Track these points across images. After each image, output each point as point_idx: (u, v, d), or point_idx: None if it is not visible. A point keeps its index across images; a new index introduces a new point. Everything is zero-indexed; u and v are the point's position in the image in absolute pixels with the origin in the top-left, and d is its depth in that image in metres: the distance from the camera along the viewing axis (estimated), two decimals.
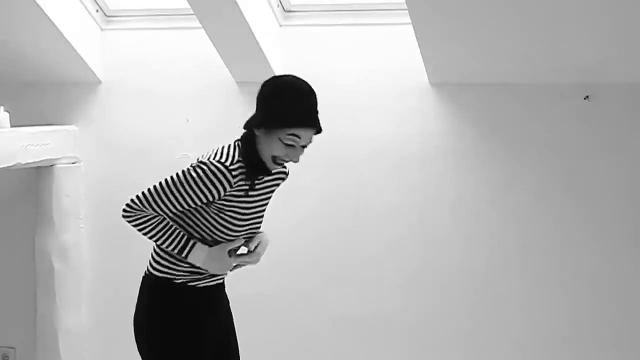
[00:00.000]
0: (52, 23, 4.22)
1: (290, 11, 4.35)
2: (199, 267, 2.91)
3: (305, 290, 4.34)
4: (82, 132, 4.61)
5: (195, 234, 2.90)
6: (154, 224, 2.85)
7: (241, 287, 4.36)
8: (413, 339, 4.23)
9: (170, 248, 2.87)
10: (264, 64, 4.20)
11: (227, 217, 2.87)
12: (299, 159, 2.87)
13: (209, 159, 2.83)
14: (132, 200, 2.85)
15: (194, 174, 2.78)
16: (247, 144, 2.87)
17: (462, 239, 4.15)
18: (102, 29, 4.57)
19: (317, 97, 2.87)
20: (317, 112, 2.85)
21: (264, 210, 3.01)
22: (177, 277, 2.92)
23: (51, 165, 4.50)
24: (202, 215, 2.88)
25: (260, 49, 4.14)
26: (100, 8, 4.53)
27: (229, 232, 2.90)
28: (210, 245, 2.89)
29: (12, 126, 4.28)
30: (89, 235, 4.62)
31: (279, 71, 4.27)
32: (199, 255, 2.87)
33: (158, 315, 2.95)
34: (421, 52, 3.95)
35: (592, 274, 4.02)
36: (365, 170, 4.23)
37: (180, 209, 2.83)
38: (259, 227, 3.02)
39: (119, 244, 4.59)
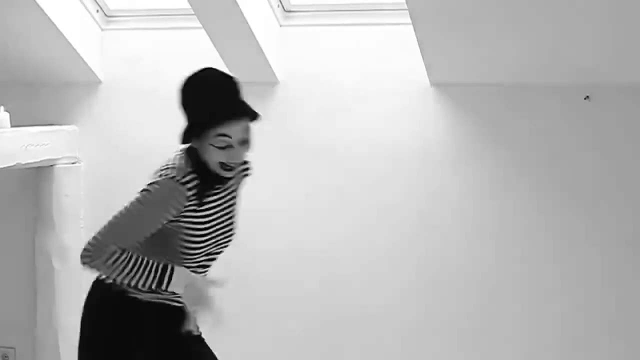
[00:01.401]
0: (52, 23, 4.22)
1: (290, 11, 4.35)
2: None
3: (304, 290, 4.34)
4: (82, 132, 4.61)
5: (159, 256, 2.68)
6: (123, 260, 2.61)
7: (241, 288, 4.37)
8: (413, 338, 4.22)
9: (147, 283, 2.63)
10: (264, 64, 4.20)
11: (188, 231, 2.70)
12: (242, 158, 2.70)
13: (160, 176, 2.66)
14: (90, 243, 2.66)
15: (149, 197, 2.62)
16: (193, 157, 2.70)
17: (462, 238, 4.15)
18: (102, 29, 4.57)
19: (236, 84, 2.69)
20: (236, 101, 2.66)
21: (232, 211, 2.85)
22: (142, 296, 2.72)
23: (51, 166, 4.50)
24: (161, 236, 2.68)
25: (260, 49, 4.14)
26: (100, 8, 4.53)
27: (194, 245, 2.72)
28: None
29: (12, 126, 4.28)
30: (88, 235, 4.61)
31: (279, 71, 4.28)
32: (179, 282, 2.66)
33: (109, 334, 2.82)
34: (421, 52, 3.95)
35: (591, 273, 4.02)
36: (365, 170, 4.23)
37: (147, 234, 2.63)
38: (231, 230, 2.84)
39: None
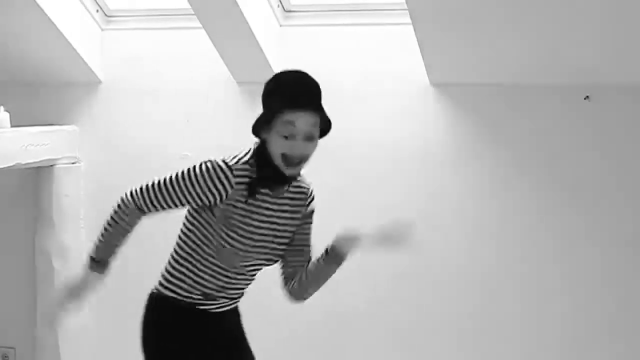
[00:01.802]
0: (52, 23, 4.22)
1: (290, 11, 4.35)
2: (211, 285, 2.73)
3: None
4: (82, 132, 4.61)
5: (205, 242, 2.70)
6: (121, 224, 2.76)
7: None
8: (412, 338, 4.22)
9: (96, 243, 2.78)
10: (264, 64, 4.20)
11: (232, 224, 2.65)
12: (304, 153, 2.61)
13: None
14: (132, 193, 2.72)
15: (196, 171, 2.61)
16: (260, 150, 2.65)
17: (462, 238, 4.15)
18: (102, 29, 4.57)
19: (316, 83, 2.67)
20: (313, 96, 2.63)
21: (284, 237, 2.76)
22: (186, 297, 2.75)
23: (51, 165, 4.50)
24: (208, 222, 2.68)
25: (260, 49, 4.14)
26: (100, 8, 4.53)
27: (236, 243, 2.67)
28: (222, 257, 2.69)
29: (12, 126, 4.28)
30: (89, 235, 4.62)
31: (279, 71, 4.27)
32: (84, 273, 2.85)
33: (154, 339, 2.88)
34: (421, 52, 3.95)
35: (592, 273, 4.02)
36: (365, 170, 4.23)
37: (173, 204, 2.67)
38: (275, 250, 2.76)
39: None
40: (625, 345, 4.00)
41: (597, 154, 3.99)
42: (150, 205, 2.71)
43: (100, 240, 2.80)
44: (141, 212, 2.76)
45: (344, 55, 4.25)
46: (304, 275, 2.79)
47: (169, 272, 2.83)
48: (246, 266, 2.75)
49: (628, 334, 3.99)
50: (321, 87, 2.70)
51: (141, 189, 2.71)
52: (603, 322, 4.01)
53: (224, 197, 2.62)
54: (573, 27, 3.65)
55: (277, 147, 2.60)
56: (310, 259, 2.84)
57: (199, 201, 2.65)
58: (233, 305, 2.85)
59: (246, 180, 2.63)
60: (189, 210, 2.76)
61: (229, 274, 2.75)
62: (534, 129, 4.05)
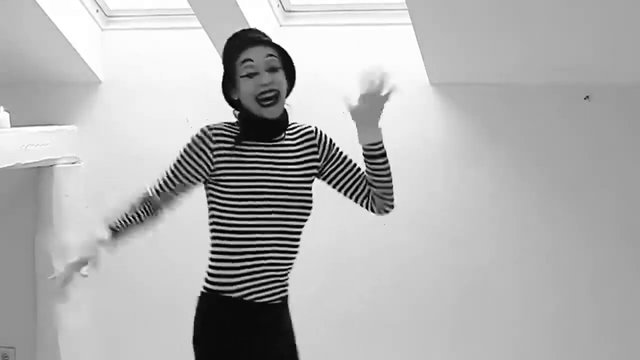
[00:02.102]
0: (52, 23, 4.22)
1: (290, 11, 4.35)
2: (241, 265, 2.67)
3: (304, 290, 4.33)
4: (82, 132, 4.61)
5: (221, 218, 2.67)
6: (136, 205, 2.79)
7: None
8: (413, 338, 4.23)
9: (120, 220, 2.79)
10: None
11: (225, 181, 2.65)
12: (270, 81, 2.63)
13: None
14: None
15: (185, 145, 2.70)
16: (239, 111, 2.73)
17: (462, 238, 4.15)
18: (102, 29, 4.57)
19: (256, 29, 2.78)
20: (259, 34, 2.71)
21: (294, 185, 2.69)
22: (233, 289, 2.68)
23: (51, 165, 4.50)
24: (215, 196, 2.69)
25: None
26: (100, 8, 4.53)
27: (234, 195, 2.63)
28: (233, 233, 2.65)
29: (12, 126, 4.28)
30: (88, 235, 4.61)
31: None
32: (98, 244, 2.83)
33: (206, 336, 2.74)
34: (421, 52, 3.95)
35: (591, 273, 4.03)
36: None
37: (175, 184, 2.73)
38: (289, 202, 2.67)
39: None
40: (624, 345, 4.00)
41: (596, 154, 3.99)
42: (160, 185, 2.76)
43: (125, 221, 2.80)
44: (156, 198, 2.79)
45: (344, 55, 4.25)
46: (371, 188, 2.81)
47: (208, 266, 2.79)
48: (262, 225, 2.65)
49: (628, 333, 4.00)
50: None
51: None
52: (604, 322, 4.02)
53: (209, 154, 2.66)
54: (573, 27, 3.65)
55: (247, 92, 2.65)
56: (362, 174, 2.83)
57: (194, 172, 2.69)
58: (278, 297, 2.74)
59: (228, 136, 2.67)
60: (207, 200, 2.76)
61: (253, 245, 2.65)
62: (534, 129, 4.05)
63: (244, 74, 2.65)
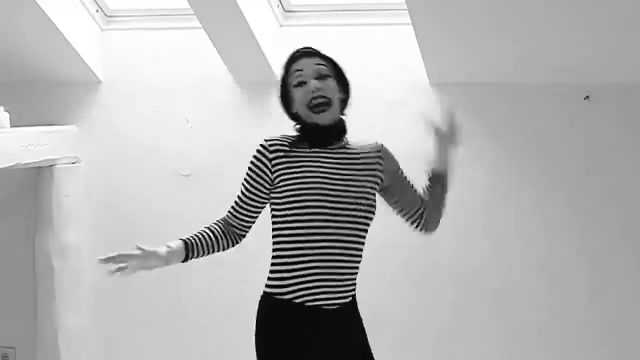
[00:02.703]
0: (52, 23, 4.22)
1: (290, 11, 4.35)
2: (307, 277, 2.65)
3: None
4: (82, 132, 4.61)
5: (281, 221, 2.68)
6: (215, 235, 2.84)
7: (244, 288, 4.37)
8: (407, 337, 4.23)
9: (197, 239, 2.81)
10: (264, 64, 4.20)
11: (282, 186, 2.68)
12: (319, 87, 2.71)
13: None
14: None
15: (248, 164, 2.77)
16: (298, 124, 2.80)
17: (462, 238, 4.15)
18: (102, 29, 4.57)
19: (308, 47, 2.87)
20: (309, 48, 2.86)
21: (353, 191, 2.68)
22: (284, 292, 2.66)
23: (51, 166, 4.50)
24: (273, 201, 2.73)
25: (260, 49, 4.14)
26: (100, 8, 4.53)
27: (292, 204, 2.65)
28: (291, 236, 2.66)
29: (12, 126, 4.28)
30: (89, 235, 4.62)
31: (279, 71, 4.27)
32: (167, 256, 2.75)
33: (260, 336, 2.74)
34: (421, 52, 3.95)
35: (591, 273, 4.03)
36: None
37: (247, 204, 2.77)
38: (348, 203, 2.67)
39: (119, 244, 4.58)
40: (623, 346, 4.00)
41: (596, 154, 3.99)
42: (234, 207, 2.83)
43: (198, 236, 2.83)
44: (230, 225, 2.85)
45: (344, 55, 4.22)
46: (426, 208, 2.90)
47: (269, 271, 2.77)
48: (316, 227, 2.65)
49: (625, 334, 4.00)
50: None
51: None
52: (604, 322, 4.02)
53: (268, 165, 2.71)
54: (573, 27, 3.65)
55: (299, 100, 2.74)
56: (419, 194, 2.91)
57: (259, 185, 2.73)
58: (334, 302, 2.69)
59: (284, 144, 2.73)
60: (270, 214, 2.78)
61: (305, 247, 2.65)
62: (534, 129, 4.05)
63: (295, 83, 2.76)
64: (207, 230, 2.83)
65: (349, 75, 2.96)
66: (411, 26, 3.81)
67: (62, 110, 4.63)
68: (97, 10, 4.52)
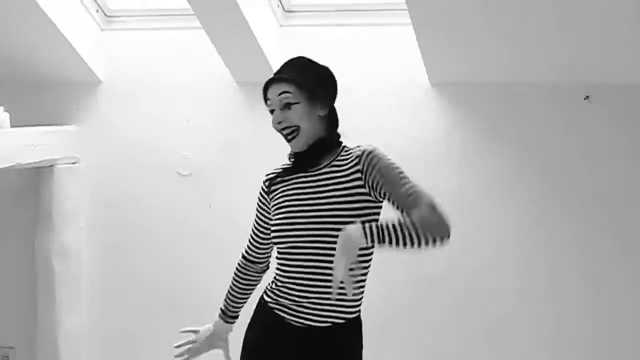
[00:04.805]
0: (53, 23, 4.22)
1: (290, 11, 4.35)
2: (292, 291, 2.69)
3: None
4: (82, 132, 4.61)
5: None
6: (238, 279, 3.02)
7: None
8: (406, 337, 4.23)
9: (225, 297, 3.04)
10: (264, 64, 4.20)
11: (273, 214, 2.77)
12: (281, 120, 2.70)
13: None
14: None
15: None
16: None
17: (461, 238, 4.15)
18: (102, 29, 4.57)
19: (286, 62, 2.81)
20: (285, 68, 2.80)
21: (328, 210, 2.65)
22: (271, 296, 2.75)
23: (51, 166, 4.50)
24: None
25: (260, 49, 4.14)
26: (100, 8, 4.53)
27: (276, 228, 2.72)
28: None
29: (12, 126, 4.28)
30: (89, 235, 4.62)
31: None
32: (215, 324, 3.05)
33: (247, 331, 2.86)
34: (421, 52, 3.95)
35: (591, 273, 4.03)
36: None
37: (259, 229, 2.91)
38: (316, 219, 2.65)
39: (119, 244, 4.59)
40: (623, 346, 4.00)
41: (596, 154, 3.99)
42: (250, 242, 2.97)
43: (227, 296, 3.05)
44: (248, 260, 3.00)
45: (344, 55, 4.25)
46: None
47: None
48: (296, 251, 2.67)
49: (625, 334, 4.00)
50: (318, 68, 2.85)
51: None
52: (603, 322, 4.02)
53: (267, 198, 2.85)
54: (573, 27, 3.66)
55: (273, 127, 2.77)
56: (408, 202, 2.66)
57: (265, 218, 2.88)
58: (324, 320, 2.68)
59: (278, 175, 2.83)
60: None
61: (292, 270, 2.68)
62: (534, 129, 4.05)
63: (269, 109, 2.79)
64: (234, 287, 3.03)
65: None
66: (411, 26, 3.81)
67: (62, 110, 4.63)
68: (97, 10, 4.52)
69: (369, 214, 2.69)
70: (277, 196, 2.78)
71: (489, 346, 4.14)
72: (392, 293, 4.23)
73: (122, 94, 4.57)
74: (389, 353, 4.26)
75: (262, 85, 2.79)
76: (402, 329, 4.23)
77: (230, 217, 4.33)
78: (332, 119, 2.83)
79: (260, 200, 2.88)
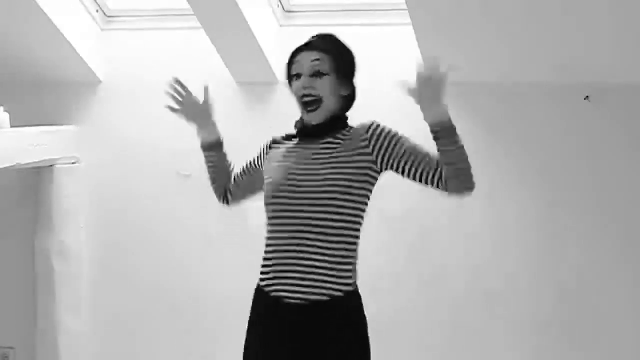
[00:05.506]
0: (52, 23, 4.22)
1: (290, 11, 4.35)
2: (272, 267, 2.68)
3: None
4: (82, 132, 4.60)
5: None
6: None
7: (242, 283, 4.37)
8: (405, 337, 4.23)
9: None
10: (264, 64, 4.20)
11: (264, 174, 2.82)
12: (306, 87, 2.69)
13: None
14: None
15: None
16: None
17: (461, 237, 4.15)
18: (102, 29, 4.57)
19: (316, 36, 2.84)
20: (318, 39, 2.82)
21: (317, 166, 2.67)
22: (260, 280, 2.72)
23: (51, 166, 4.50)
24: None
25: (260, 49, 4.14)
26: (100, 8, 4.53)
27: (266, 193, 2.73)
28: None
29: (12, 126, 4.28)
30: (89, 235, 4.62)
31: (279, 71, 4.28)
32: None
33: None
34: (421, 52, 3.95)
35: (591, 273, 4.03)
36: None
37: (246, 167, 2.99)
38: (308, 185, 2.64)
39: (119, 244, 4.59)
40: (622, 346, 4.00)
41: (596, 154, 4.00)
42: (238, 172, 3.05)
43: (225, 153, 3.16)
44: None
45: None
46: (445, 169, 2.72)
47: None
48: (284, 217, 2.66)
49: (625, 334, 4.00)
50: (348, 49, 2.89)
51: None
52: (603, 321, 4.02)
53: (266, 149, 2.89)
54: (573, 27, 3.66)
55: (294, 93, 2.75)
56: (433, 156, 2.75)
57: (254, 163, 2.93)
58: (308, 297, 2.63)
59: (281, 139, 2.86)
60: None
61: (278, 238, 2.67)
62: (534, 129, 4.05)
63: (293, 74, 2.76)
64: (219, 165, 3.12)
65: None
66: (411, 26, 3.81)
67: (62, 110, 4.63)
68: (97, 11, 4.52)
69: (360, 189, 2.73)
70: (272, 161, 2.79)
71: (489, 346, 4.14)
72: (392, 293, 4.23)
73: (122, 94, 4.57)
74: (389, 353, 4.26)
75: (292, 52, 2.78)
76: (403, 329, 4.23)
77: (230, 217, 4.33)
78: (350, 102, 2.84)
79: (259, 153, 2.91)
